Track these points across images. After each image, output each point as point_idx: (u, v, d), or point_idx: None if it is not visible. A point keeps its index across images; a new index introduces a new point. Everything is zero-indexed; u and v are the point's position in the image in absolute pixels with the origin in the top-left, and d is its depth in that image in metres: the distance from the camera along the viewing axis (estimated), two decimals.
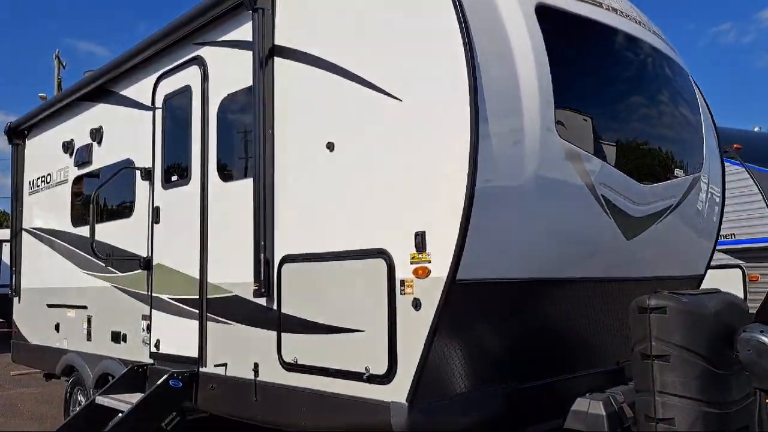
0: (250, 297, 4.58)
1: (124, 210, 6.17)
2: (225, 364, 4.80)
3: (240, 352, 4.68)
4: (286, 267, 4.33)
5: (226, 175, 5.00)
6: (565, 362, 4.39)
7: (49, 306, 7.52)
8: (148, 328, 5.70)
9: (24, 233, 8.33)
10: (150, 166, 5.83)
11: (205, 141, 5.18)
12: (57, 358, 7.20)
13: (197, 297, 5.12)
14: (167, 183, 5.61)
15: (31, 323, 8.02)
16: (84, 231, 6.88)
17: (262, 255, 4.42)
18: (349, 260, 3.90)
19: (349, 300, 3.89)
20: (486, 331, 3.78)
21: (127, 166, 5.98)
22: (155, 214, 5.69)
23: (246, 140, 4.84)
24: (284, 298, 4.33)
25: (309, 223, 4.24)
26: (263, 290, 4.40)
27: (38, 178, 8.10)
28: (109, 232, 6.32)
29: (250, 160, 4.70)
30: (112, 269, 6.30)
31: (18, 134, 8.50)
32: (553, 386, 4.20)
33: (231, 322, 4.79)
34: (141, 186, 5.96)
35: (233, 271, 4.79)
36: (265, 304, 4.47)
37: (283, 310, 4.32)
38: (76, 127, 7.23)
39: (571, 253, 4.01)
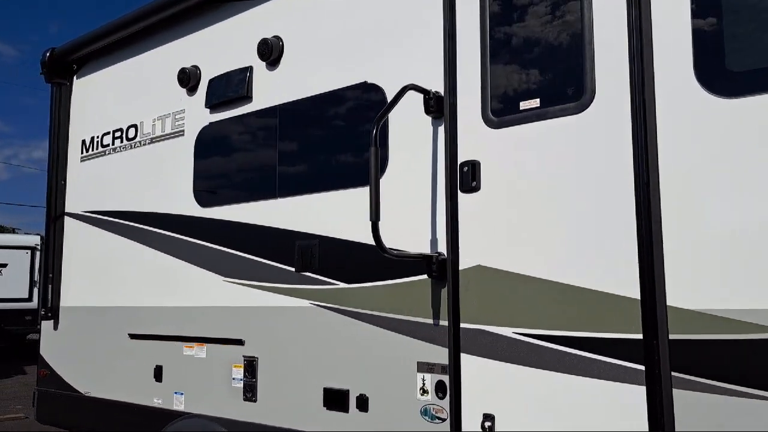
0: None
1: (357, 172, 3.46)
2: None
3: None
4: None
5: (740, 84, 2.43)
6: None
7: (135, 337, 4.60)
8: (439, 389, 3.01)
9: (69, 220, 5.34)
10: (440, 90, 3.18)
11: (637, 27, 2.61)
12: (156, 425, 4.30)
13: (627, 336, 2.51)
14: (503, 115, 2.97)
15: (86, 363, 5.02)
16: (226, 213, 4.11)
17: None
18: None
19: None
20: None
21: (405, 90, 3.24)
22: (467, 176, 3.03)
23: None
24: None
25: None
26: None
27: (105, 134, 5.17)
28: (312, 211, 3.61)
29: None
30: (316, 277, 3.55)
31: (62, 69, 5.53)
32: None
33: None
34: (408, 125, 3.29)
35: None
36: None
37: None
38: (209, 45, 4.44)
39: None
